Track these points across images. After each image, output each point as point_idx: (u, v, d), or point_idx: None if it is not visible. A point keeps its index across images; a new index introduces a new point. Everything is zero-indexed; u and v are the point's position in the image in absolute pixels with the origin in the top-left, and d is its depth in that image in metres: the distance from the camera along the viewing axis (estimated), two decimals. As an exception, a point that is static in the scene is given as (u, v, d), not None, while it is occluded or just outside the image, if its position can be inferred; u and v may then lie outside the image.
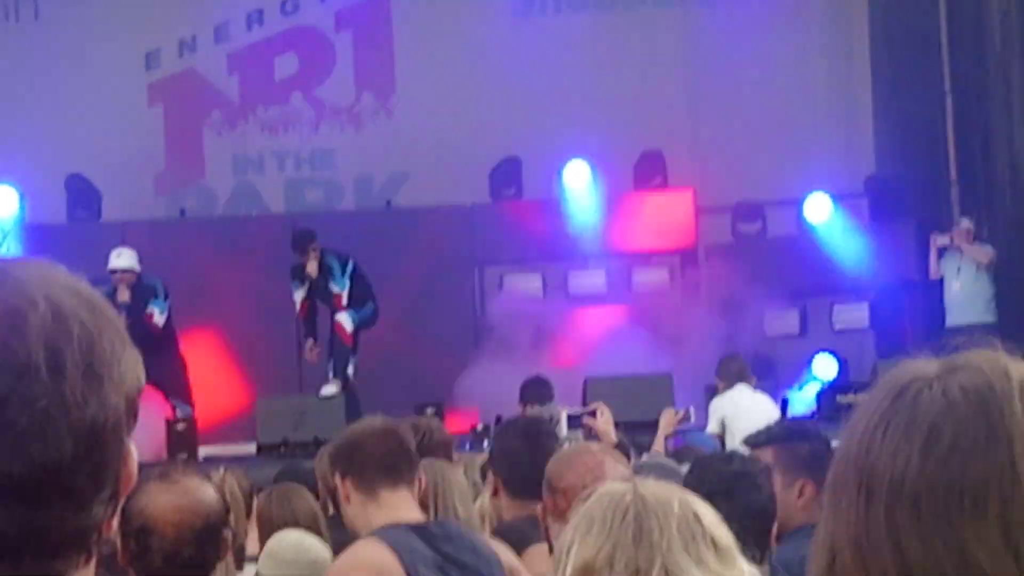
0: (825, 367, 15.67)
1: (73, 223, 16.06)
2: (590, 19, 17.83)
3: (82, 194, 16.18)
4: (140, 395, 1.53)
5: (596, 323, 15.70)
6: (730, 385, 12.24)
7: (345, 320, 14.35)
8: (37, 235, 15.46)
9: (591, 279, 16.11)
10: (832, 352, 15.79)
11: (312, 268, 14.24)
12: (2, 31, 17.27)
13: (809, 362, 15.67)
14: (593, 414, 8.27)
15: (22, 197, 15.77)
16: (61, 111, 16.83)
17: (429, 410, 13.76)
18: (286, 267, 14.63)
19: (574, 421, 9.00)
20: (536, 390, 12.35)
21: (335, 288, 14.30)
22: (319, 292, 14.45)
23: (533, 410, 11.91)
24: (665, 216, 16.53)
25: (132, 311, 13.51)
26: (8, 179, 15.78)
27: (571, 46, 17.49)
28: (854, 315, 16.28)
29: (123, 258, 13.93)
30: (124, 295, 13.70)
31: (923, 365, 1.53)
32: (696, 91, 17.71)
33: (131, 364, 1.51)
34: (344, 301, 14.30)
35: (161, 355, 13.82)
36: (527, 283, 16.20)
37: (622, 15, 17.91)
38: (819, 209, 16.44)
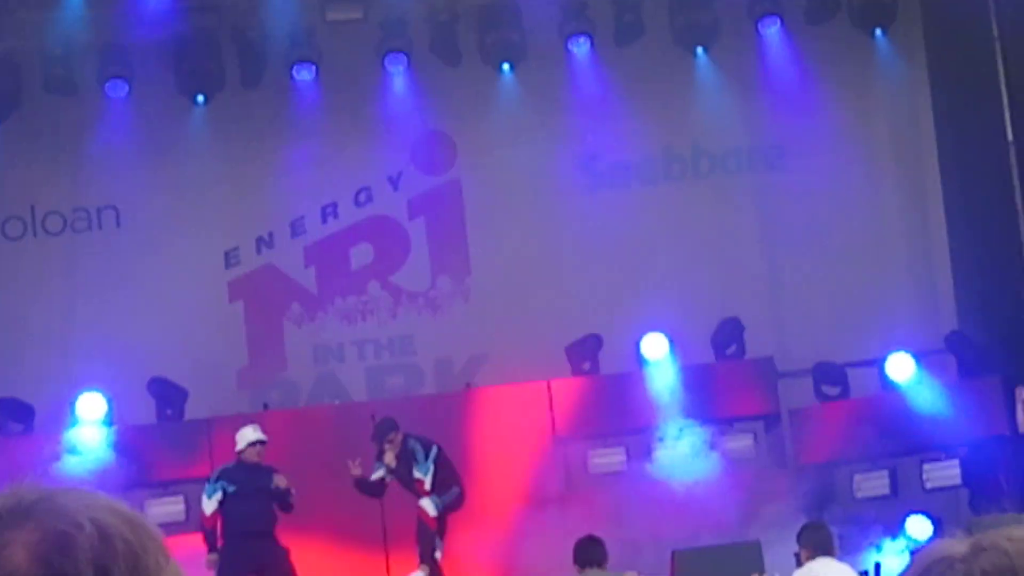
0: (920, 528, 15.37)
1: (161, 422, 16.28)
2: (661, 190, 17.86)
3: (167, 395, 16.41)
4: None
5: (681, 493, 15.54)
6: (812, 555, 11.97)
7: (428, 506, 14.40)
8: (125, 436, 15.67)
9: (673, 449, 16.01)
10: (925, 513, 15.51)
11: (389, 459, 14.39)
12: (86, 240, 17.62)
13: (902, 524, 15.40)
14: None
15: (109, 401, 16.00)
16: (144, 313, 17.11)
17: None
18: (371, 454, 14.72)
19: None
20: (591, 553, 12.12)
21: (417, 474, 14.42)
22: (401, 478, 14.54)
23: (592, 573, 11.72)
24: (746, 383, 16.44)
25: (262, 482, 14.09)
26: (95, 384, 16.01)
27: (643, 218, 17.56)
28: (945, 473, 16.03)
29: (259, 431, 14.44)
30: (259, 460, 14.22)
31: (951, 545, 1.53)
32: (772, 255, 17.68)
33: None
34: (427, 486, 14.39)
35: (275, 541, 14.16)
36: (610, 457, 16.13)
37: (693, 184, 17.92)
38: (901, 368, 16.30)
